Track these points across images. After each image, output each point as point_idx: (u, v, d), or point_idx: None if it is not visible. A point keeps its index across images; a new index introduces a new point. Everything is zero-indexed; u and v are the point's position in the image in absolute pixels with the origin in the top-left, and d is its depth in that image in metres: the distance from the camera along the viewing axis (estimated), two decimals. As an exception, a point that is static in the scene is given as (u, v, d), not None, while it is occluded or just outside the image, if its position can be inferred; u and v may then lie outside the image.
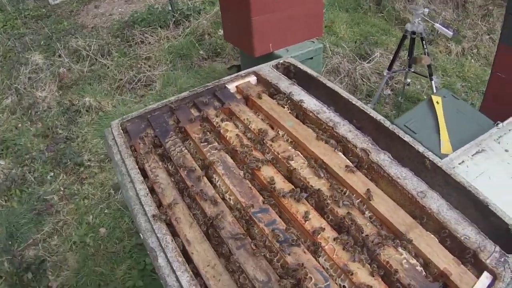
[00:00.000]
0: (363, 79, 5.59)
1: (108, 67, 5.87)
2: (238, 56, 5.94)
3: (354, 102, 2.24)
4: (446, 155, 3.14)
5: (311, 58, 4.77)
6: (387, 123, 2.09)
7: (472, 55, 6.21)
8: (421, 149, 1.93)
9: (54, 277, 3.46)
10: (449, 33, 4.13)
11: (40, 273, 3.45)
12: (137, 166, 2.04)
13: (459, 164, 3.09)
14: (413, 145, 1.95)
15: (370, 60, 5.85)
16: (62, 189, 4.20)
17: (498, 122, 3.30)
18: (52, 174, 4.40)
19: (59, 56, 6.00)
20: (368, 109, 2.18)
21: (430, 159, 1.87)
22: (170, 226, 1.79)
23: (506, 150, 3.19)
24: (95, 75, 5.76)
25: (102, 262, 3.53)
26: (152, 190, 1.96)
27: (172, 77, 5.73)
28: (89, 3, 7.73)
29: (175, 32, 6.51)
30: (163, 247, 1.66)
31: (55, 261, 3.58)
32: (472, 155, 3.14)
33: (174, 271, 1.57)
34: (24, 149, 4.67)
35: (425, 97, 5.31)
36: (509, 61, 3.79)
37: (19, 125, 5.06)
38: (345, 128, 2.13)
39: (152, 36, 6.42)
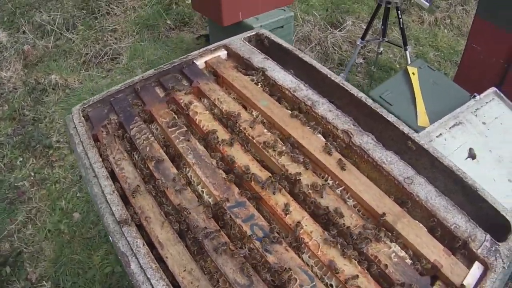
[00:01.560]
0: (335, 48, 5.50)
1: (73, 42, 5.61)
2: (206, 25, 5.77)
3: (333, 78, 2.10)
4: (423, 128, 3.10)
5: (282, 26, 4.65)
6: (369, 101, 1.97)
7: (445, 25, 6.17)
8: (405, 129, 1.84)
9: (33, 269, 3.33)
10: (426, 3, 4.04)
11: (18, 265, 3.33)
12: (101, 159, 1.88)
13: (437, 137, 3.06)
14: (397, 126, 1.85)
15: (341, 28, 5.75)
16: (32, 174, 4.03)
17: (475, 94, 3.29)
18: (21, 159, 4.21)
19: (23, 32, 5.69)
20: (348, 86, 2.05)
21: (416, 140, 1.79)
22: (139, 226, 1.67)
23: (484, 123, 3.18)
24: (60, 50, 5.50)
25: (79, 249, 3.42)
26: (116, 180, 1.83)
27: (139, 49, 5.54)
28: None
29: (142, 1, 6.23)
30: (135, 252, 1.54)
31: (31, 251, 3.45)
32: (450, 128, 3.12)
33: (148, 279, 1.46)
34: (-9, 134, 4.44)
35: (397, 66, 5.30)
36: (484, 34, 3.81)
37: (-16, 108, 4.80)
38: (324, 108, 2.00)
39: (118, 6, 6.13)
